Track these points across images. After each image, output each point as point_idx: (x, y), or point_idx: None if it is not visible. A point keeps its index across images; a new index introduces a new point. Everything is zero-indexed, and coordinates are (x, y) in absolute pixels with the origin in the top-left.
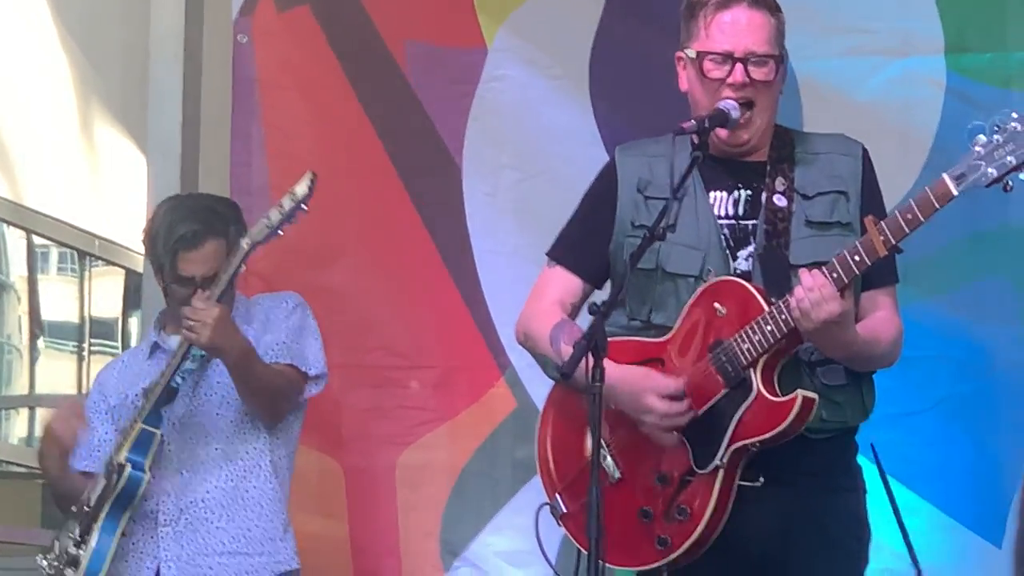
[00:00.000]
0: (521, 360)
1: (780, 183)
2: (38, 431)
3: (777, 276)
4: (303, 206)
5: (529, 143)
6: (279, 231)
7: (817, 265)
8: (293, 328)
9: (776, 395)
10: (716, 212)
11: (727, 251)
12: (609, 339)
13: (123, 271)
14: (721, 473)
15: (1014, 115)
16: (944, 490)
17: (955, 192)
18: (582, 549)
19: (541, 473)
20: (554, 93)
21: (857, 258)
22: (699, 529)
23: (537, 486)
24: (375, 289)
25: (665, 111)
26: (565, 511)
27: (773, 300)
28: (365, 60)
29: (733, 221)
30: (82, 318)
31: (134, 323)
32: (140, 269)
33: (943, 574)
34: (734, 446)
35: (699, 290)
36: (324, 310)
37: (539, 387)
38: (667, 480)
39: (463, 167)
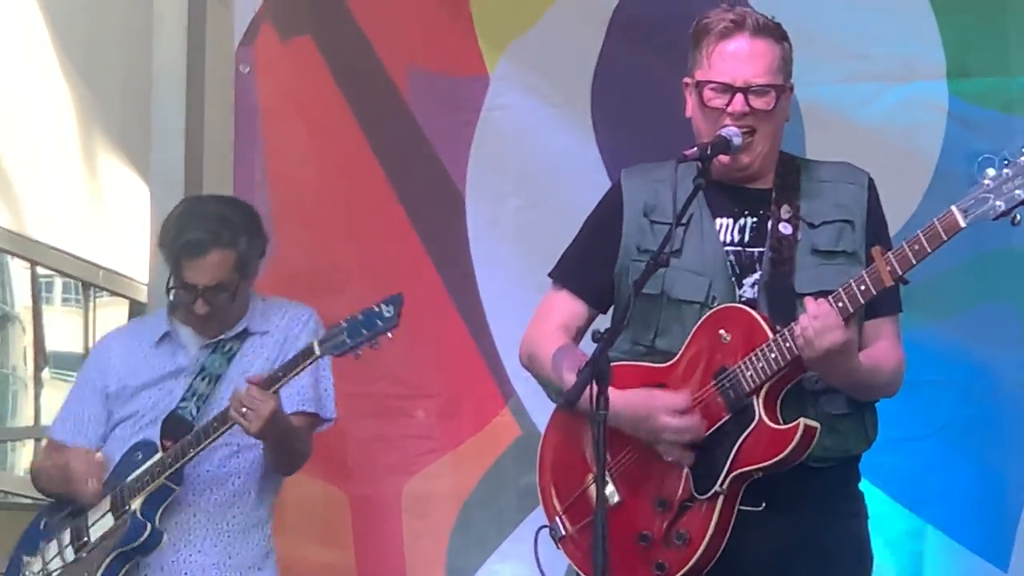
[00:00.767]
0: (525, 388)
1: (786, 211)
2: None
3: (782, 304)
4: (389, 334)
5: (532, 170)
6: (357, 352)
7: (823, 293)
8: (314, 368)
9: (778, 423)
10: (722, 239)
11: (733, 278)
12: (612, 364)
13: (127, 301)
14: (721, 499)
15: None
16: (949, 514)
17: (963, 224)
18: (580, 573)
19: (541, 496)
20: (556, 120)
21: (863, 288)
22: (697, 555)
23: (542, 513)
24: None
25: (667, 137)
26: (564, 534)
27: (778, 328)
28: (367, 88)
29: (739, 248)
30: (87, 348)
31: None
32: (144, 299)
33: None
34: (735, 472)
35: (704, 316)
36: None
37: (543, 415)
38: (667, 505)
39: (466, 194)
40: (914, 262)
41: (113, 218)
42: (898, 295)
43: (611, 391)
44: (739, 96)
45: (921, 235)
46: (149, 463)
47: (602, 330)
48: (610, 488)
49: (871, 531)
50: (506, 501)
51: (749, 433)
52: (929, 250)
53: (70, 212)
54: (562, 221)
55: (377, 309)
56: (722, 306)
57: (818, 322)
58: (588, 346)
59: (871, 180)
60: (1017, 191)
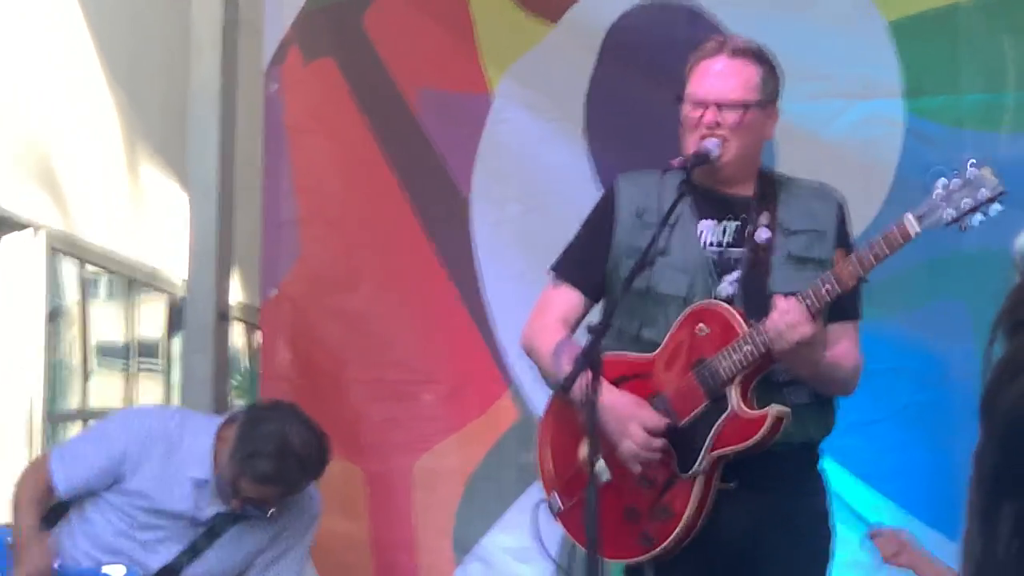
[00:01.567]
0: (525, 375)
1: (765, 217)
2: None
3: (757, 302)
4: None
5: (530, 179)
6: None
7: (794, 294)
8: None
9: (752, 408)
10: (705, 240)
11: (712, 276)
12: (603, 353)
13: (166, 296)
14: (701, 478)
15: (972, 162)
16: (905, 490)
17: (918, 230)
18: (576, 543)
19: (540, 473)
20: (552, 134)
21: (828, 287)
22: (679, 527)
23: (540, 488)
24: (392, 311)
25: (653, 149)
26: (561, 507)
27: (752, 323)
28: (383, 107)
29: (720, 249)
30: (129, 339)
31: (176, 344)
32: (182, 295)
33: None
34: (713, 454)
35: (686, 312)
36: (347, 330)
37: (541, 399)
38: (652, 482)
39: (471, 201)
40: (874, 263)
41: (154, 220)
42: (858, 303)
43: (608, 387)
44: (711, 109)
45: (881, 239)
46: None
47: (596, 323)
48: (602, 466)
49: (835, 506)
50: (507, 477)
51: (725, 419)
52: (887, 253)
53: (115, 215)
54: (558, 224)
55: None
56: (701, 302)
57: (788, 316)
58: (584, 336)
59: (842, 198)
60: (965, 199)
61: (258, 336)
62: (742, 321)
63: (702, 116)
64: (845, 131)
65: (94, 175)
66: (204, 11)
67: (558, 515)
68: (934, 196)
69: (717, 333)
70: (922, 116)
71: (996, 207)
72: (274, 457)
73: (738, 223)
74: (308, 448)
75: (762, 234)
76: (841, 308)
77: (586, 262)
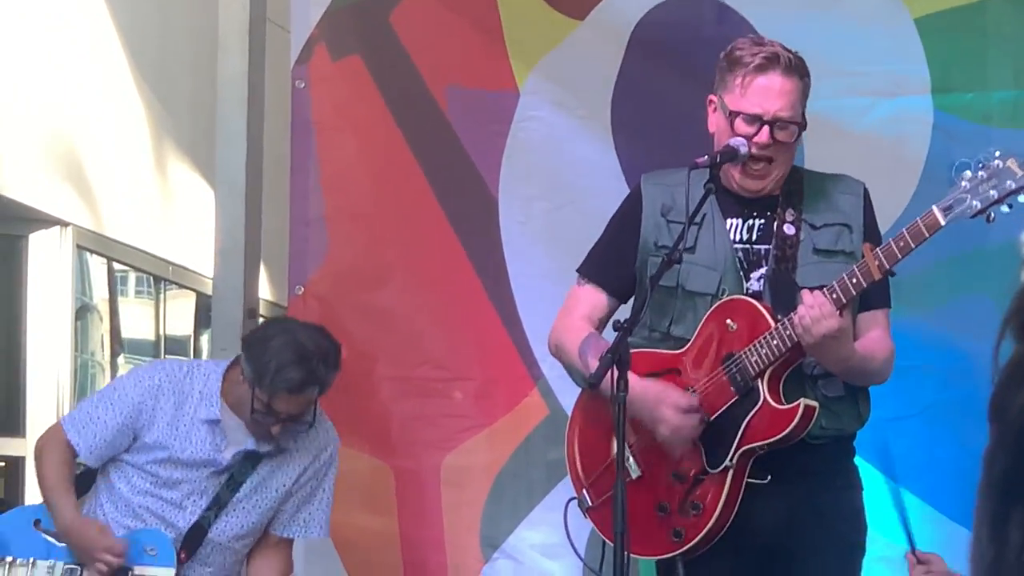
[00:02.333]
0: (552, 372)
1: (790, 214)
2: None
3: (785, 296)
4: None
5: (558, 177)
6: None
7: (821, 288)
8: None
9: (781, 403)
10: (732, 237)
11: (741, 272)
12: (632, 350)
13: (194, 294)
14: (731, 472)
15: (997, 154)
16: (932, 487)
17: (943, 222)
18: (606, 540)
19: (570, 470)
20: (579, 131)
21: (855, 280)
22: (711, 523)
23: (568, 485)
24: (421, 309)
25: (680, 146)
26: (590, 504)
27: (779, 317)
28: (410, 104)
29: (747, 246)
30: (158, 336)
31: (204, 340)
32: (209, 292)
33: None
34: (742, 448)
35: (713, 307)
36: (376, 328)
37: (569, 396)
38: (682, 478)
39: (499, 198)
40: (900, 256)
41: (182, 218)
42: (888, 291)
43: (635, 378)
44: (766, 128)
45: (906, 232)
46: (160, 574)
47: (622, 320)
48: (632, 463)
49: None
50: (535, 474)
51: (755, 413)
52: (913, 246)
53: (143, 214)
54: (585, 222)
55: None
56: (729, 297)
57: (815, 311)
58: (611, 335)
59: (866, 190)
60: (991, 191)
61: None
62: (770, 315)
63: (756, 134)
64: (873, 128)
65: (122, 172)
66: (231, 9)
67: (588, 512)
68: (960, 188)
69: (746, 328)
70: (950, 112)
71: (1022, 198)
72: (298, 364)
73: (764, 220)
74: (322, 343)
75: (788, 230)
76: (870, 297)
77: (611, 262)
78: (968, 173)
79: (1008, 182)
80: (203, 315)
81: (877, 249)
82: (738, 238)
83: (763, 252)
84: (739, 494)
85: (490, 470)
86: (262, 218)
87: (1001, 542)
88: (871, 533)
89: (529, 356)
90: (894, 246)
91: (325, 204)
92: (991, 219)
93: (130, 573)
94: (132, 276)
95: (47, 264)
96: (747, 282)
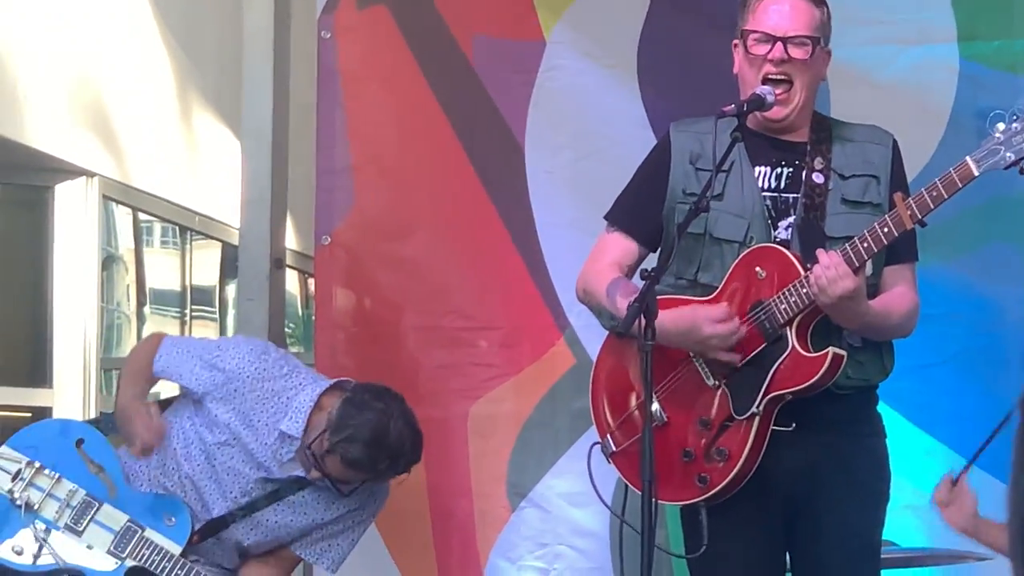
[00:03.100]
0: (579, 320)
1: (819, 162)
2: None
3: (813, 245)
4: None
5: (584, 126)
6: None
7: (849, 238)
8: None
9: (809, 351)
10: (760, 185)
11: (769, 221)
12: (658, 297)
13: (220, 244)
14: (757, 420)
15: None
16: (959, 433)
17: (976, 173)
18: (629, 484)
19: (594, 414)
20: (606, 80)
21: (886, 230)
22: (735, 469)
23: (594, 434)
24: (448, 259)
25: (707, 95)
26: (614, 449)
27: (809, 266)
28: (437, 53)
29: (775, 194)
30: (183, 286)
31: (230, 291)
32: (235, 242)
33: None
34: (769, 395)
35: (742, 255)
36: (402, 278)
37: (596, 345)
38: (708, 424)
39: (525, 148)
40: (932, 207)
41: (208, 170)
42: (915, 243)
43: (661, 313)
44: (779, 44)
45: (938, 182)
46: (167, 545)
47: (650, 269)
48: (658, 409)
49: (890, 450)
50: (561, 423)
51: (783, 360)
52: (946, 196)
53: (169, 164)
54: (611, 171)
55: None
56: (758, 245)
57: (830, 271)
58: (639, 283)
59: (895, 141)
60: None
61: (311, 284)
62: (800, 264)
63: (769, 51)
64: (899, 76)
65: (148, 123)
66: None
67: (611, 457)
68: (993, 139)
69: (774, 276)
70: (976, 61)
71: None
72: (369, 445)
73: (792, 168)
74: (403, 445)
75: (817, 178)
76: (896, 251)
77: (639, 210)
78: (1001, 125)
79: None
80: (229, 265)
81: (910, 199)
82: (766, 186)
83: (791, 200)
84: (764, 441)
85: (517, 419)
86: (288, 169)
87: None
88: (897, 481)
89: (556, 305)
90: (927, 196)
91: (351, 154)
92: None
93: (142, 532)
94: (157, 226)
95: (73, 215)
96: (775, 230)
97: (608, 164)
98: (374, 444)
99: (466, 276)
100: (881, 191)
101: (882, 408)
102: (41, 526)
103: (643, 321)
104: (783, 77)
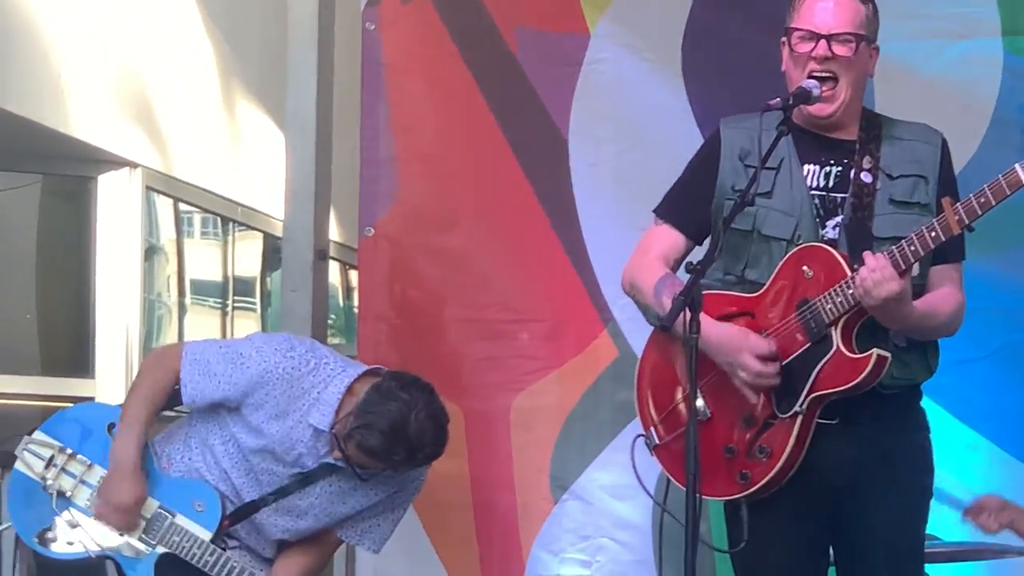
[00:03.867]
0: (623, 314)
1: (867, 161)
2: None
3: (860, 246)
4: None
5: (628, 119)
6: None
7: (897, 239)
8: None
9: (854, 352)
10: (809, 183)
11: (817, 219)
12: (705, 292)
13: (262, 235)
14: (800, 418)
15: None
16: (1000, 428)
17: None
18: (671, 478)
19: (639, 407)
20: (650, 74)
21: (934, 234)
22: (777, 467)
23: (637, 426)
24: (491, 251)
25: (752, 91)
26: (657, 443)
27: (855, 267)
28: (480, 46)
29: (824, 193)
30: (225, 277)
31: (271, 282)
32: (278, 233)
33: None
34: (813, 395)
35: (790, 253)
36: (446, 270)
37: (639, 338)
38: (751, 422)
39: (569, 141)
40: (980, 213)
41: (251, 161)
42: (962, 244)
43: (711, 322)
44: (823, 42)
45: (987, 189)
46: (197, 532)
47: (695, 262)
48: (701, 404)
49: (933, 445)
50: (604, 415)
51: (827, 360)
52: (994, 203)
53: (212, 155)
54: (654, 164)
55: None
56: (806, 244)
57: (876, 274)
58: (684, 277)
59: (944, 140)
60: None
61: (354, 275)
62: (847, 264)
63: (813, 48)
64: (944, 70)
65: (191, 114)
66: None
67: (655, 450)
68: None
69: (821, 275)
70: (1020, 55)
71: None
72: (386, 435)
73: (841, 168)
74: (422, 438)
75: (865, 178)
76: (945, 250)
77: (688, 204)
78: None
79: None
80: (270, 256)
81: (957, 204)
82: (815, 184)
83: (839, 200)
84: (807, 440)
85: (560, 411)
86: (333, 159)
87: None
88: (940, 475)
89: (599, 298)
90: (975, 202)
91: (395, 145)
92: None
93: (173, 518)
94: (197, 217)
95: (116, 205)
96: (823, 229)
97: (651, 157)
98: (391, 434)
99: (509, 268)
100: (929, 191)
101: (925, 403)
102: (74, 513)
103: (687, 315)
104: (828, 75)
